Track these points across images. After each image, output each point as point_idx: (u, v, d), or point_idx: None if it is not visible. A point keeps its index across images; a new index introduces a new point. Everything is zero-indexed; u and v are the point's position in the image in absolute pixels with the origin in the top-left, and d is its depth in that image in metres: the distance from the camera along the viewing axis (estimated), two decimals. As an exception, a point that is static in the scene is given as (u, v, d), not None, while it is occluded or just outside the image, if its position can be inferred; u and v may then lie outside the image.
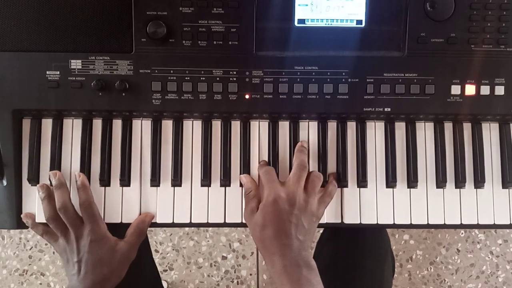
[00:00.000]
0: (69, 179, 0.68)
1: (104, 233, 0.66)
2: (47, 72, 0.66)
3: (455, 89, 0.68)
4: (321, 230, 0.92)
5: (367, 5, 0.67)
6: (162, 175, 0.69)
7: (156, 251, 1.40)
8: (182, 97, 0.67)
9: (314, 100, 0.67)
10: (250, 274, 1.40)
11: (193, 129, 0.70)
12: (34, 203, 0.68)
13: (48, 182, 0.68)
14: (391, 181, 0.69)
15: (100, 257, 0.64)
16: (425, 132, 0.71)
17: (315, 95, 0.67)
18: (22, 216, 0.68)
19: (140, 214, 0.69)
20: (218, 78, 0.67)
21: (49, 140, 0.68)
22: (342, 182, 0.69)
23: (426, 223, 0.70)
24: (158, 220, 0.69)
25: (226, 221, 0.69)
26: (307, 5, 0.67)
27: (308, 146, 0.70)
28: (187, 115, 0.69)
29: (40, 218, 0.67)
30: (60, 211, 0.64)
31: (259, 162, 0.69)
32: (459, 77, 0.67)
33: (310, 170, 0.68)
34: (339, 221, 0.69)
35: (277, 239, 0.61)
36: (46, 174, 0.68)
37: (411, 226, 0.70)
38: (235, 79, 0.67)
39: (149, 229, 0.69)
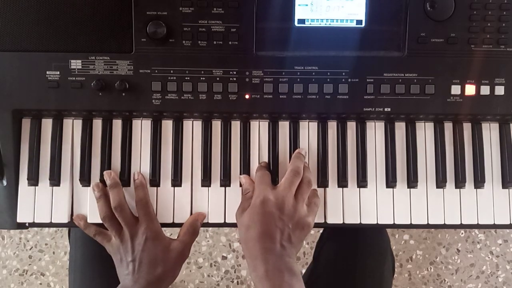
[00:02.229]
0: (69, 179, 0.68)
1: (159, 231, 0.66)
2: (47, 72, 0.66)
3: (455, 89, 0.68)
4: (321, 230, 0.92)
5: (367, 5, 0.67)
6: (162, 175, 0.69)
7: (156, 251, 1.40)
8: (182, 97, 0.67)
9: (314, 100, 0.67)
10: (250, 274, 1.40)
11: (193, 129, 0.70)
12: (31, 203, 0.67)
13: (47, 182, 0.68)
14: (391, 181, 0.69)
15: (154, 256, 0.64)
16: (425, 132, 0.71)
17: (315, 95, 0.67)
18: (73, 218, 0.67)
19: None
20: (218, 78, 0.67)
21: (49, 140, 0.68)
22: (342, 182, 0.69)
23: (426, 223, 0.69)
24: (158, 220, 0.68)
25: (226, 221, 0.68)
26: (307, 5, 0.67)
27: (308, 154, 0.69)
28: (187, 115, 0.69)
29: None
30: (116, 210, 0.64)
31: (259, 163, 0.69)
32: (459, 77, 0.67)
33: (308, 172, 0.68)
34: (339, 221, 0.69)
35: (260, 242, 0.60)
36: (45, 174, 0.68)
37: (411, 226, 0.70)
38: (235, 79, 0.67)
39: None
